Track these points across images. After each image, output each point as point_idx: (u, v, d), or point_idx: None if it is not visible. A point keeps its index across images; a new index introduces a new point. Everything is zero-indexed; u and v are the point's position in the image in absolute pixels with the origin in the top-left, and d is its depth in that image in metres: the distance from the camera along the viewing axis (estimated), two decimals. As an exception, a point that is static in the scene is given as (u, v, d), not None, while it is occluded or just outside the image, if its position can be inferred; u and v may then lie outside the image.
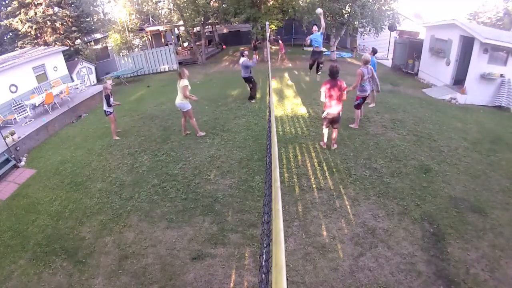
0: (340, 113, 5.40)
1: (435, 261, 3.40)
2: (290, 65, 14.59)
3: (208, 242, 3.88)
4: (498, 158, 5.48)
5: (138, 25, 17.81)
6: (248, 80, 8.49)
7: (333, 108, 5.27)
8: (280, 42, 16.16)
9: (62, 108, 9.92)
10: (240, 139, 6.46)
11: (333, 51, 15.07)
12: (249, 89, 8.80)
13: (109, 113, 6.98)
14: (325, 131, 5.69)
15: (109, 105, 6.88)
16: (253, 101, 8.74)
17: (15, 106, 9.40)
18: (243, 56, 8.07)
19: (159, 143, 6.74)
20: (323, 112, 5.52)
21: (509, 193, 4.49)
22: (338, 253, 3.55)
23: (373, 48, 8.03)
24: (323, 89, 5.22)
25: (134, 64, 15.66)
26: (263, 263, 1.44)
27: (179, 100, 6.19)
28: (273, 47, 19.07)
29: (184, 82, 6.04)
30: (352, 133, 6.42)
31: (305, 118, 7.43)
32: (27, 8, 16.47)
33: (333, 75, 5.17)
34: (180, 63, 16.13)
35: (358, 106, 6.37)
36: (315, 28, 8.33)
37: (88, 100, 10.96)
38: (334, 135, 5.66)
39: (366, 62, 6.14)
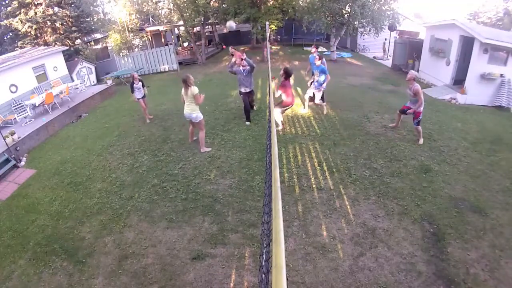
0: None
1: (435, 261, 3.40)
2: (289, 65, 14.58)
3: (208, 242, 3.87)
4: (498, 158, 5.47)
5: (138, 25, 17.79)
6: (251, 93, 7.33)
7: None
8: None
9: (62, 108, 9.92)
10: (240, 139, 6.46)
11: (333, 51, 15.08)
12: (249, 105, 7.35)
13: (136, 99, 7.81)
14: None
15: (132, 91, 7.69)
16: (254, 108, 7.90)
17: (15, 106, 9.40)
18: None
19: (159, 143, 6.74)
20: (285, 107, 6.39)
21: (509, 193, 4.49)
22: (338, 253, 3.55)
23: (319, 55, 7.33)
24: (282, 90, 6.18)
25: (134, 64, 15.67)
26: (263, 263, 1.44)
27: (189, 110, 5.63)
28: (273, 47, 19.08)
29: (194, 90, 5.47)
30: (352, 133, 6.42)
31: (305, 118, 7.43)
32: (27, 8, 16.45)
33: (290, 75, 6.22)
34: (180, 63, 16.13)
35: (420, 123, 5.90)
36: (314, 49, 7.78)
37: (88, 100, 10.95)
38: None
39: (414, 79, 5.66)
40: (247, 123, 7.29)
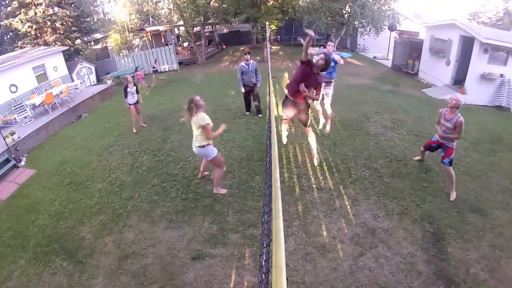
0: None
1: (435, 261, 3.40)
2: (290, 65, 14.60)
3: (208, 242, 3.87)
4: (498, 158, 5.47)
5: (138, 25, 17.82)
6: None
7: None
8: (138, 72, 12.67)
9: (62, 108, 9.92)
10: (240, 139, 6.46)
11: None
12: (256, 101, 7.38)
13: (128, 105, 7.33)
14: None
15: (126, 96, 7.22)
16: (260, 115, 7.54)
17: (15, 106, 9.40)
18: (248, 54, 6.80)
19: (159, 143, 6.74)
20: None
21: (509, 193, 4.48)
22: (338, 253, 3.55)
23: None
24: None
25: (134, 64, 15.68)
26: (263, 263, 1.45)
27: (198, 144, 4.16)
28: (273, 47, 19.08)
29: (204, 118, 3.97)
30: (352, 133, 6.42)
31: (305, 118, 7.41)
32: (27, 8, 16.47)
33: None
34: (180, 63, 16.14)
35: (452, 162, 4.36)
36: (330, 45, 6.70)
37: (88, 100, 10.96)
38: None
39: (459, 107, 4.14)
40: (247, 113, 7.53)
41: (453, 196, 4.34)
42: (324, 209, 4.26)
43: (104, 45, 18.26)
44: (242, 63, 6.87)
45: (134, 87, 7.26)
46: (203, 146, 4.15)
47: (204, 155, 4.33)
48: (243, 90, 7.06)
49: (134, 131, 7.48)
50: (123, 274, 3.59)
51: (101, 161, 6.34)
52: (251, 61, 6.86)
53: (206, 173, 5.18)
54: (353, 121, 7.03)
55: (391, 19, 13.78)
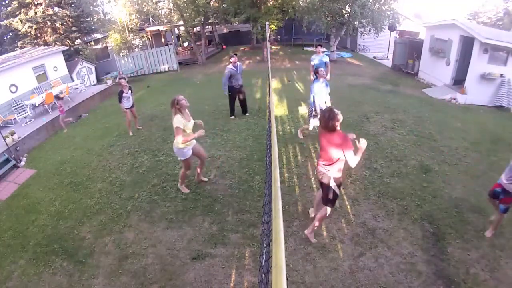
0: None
1: (435, 261, 3.40)
2: (290, 65, 14.59)
3: (208, 242, 3.87)
4: (498, 158, 5.47)
5: (138, 25, 17.80)
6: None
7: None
8: (59, 103, 8.62)
9: (62, 108, 9.90)
10: (240, 139, 6.46)
11: (333, 51, 15.08)
12: (243, 101, 7.53)
13: (124, 109, 7.11)
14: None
15: (120, 101, 6.98)
16: (247, 114, 7.75)
17: (15, 106, 9.41)
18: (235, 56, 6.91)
19: (159, 143, 6.74)
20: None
21: (509, 193, 4.48)
22: (338, 253, 3.55)
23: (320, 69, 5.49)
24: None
25: (134, 64, 15.67)
26: (263, 263, 1.44)
27: (174, 143, 4.27)
28: (273, 47, 19.07)
29: (174, 121, 3.99)
30: (352, 133, 6.41)
31: (305, 118, 7.42)
32: (27, 8, 16.46)
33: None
34: (180, 63, 16.14)
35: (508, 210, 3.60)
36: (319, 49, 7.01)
37: (88, 100, 10.97)
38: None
39: None
40: (232, 117, 7.56)
41: (489, 233, 3.73)
42: (324, 209, 4.25)
43: (104, 45, 18.25)
44: (230, 66, 6.78)
45: (130, 91, 6.99)
46: (175, 144, 4.25)
47: (176, 153, 4.44)
48: (227, 93, 7.03)
49: (130, 133, 7.40)
50: (123, 274, 3.59)
51: (101, 161, 6.34)
52: (238, 63, 6.86)
53: (205, 179, 5.11)
54: (353, 121, 7.03)
55: (391, 19, 13.77)
